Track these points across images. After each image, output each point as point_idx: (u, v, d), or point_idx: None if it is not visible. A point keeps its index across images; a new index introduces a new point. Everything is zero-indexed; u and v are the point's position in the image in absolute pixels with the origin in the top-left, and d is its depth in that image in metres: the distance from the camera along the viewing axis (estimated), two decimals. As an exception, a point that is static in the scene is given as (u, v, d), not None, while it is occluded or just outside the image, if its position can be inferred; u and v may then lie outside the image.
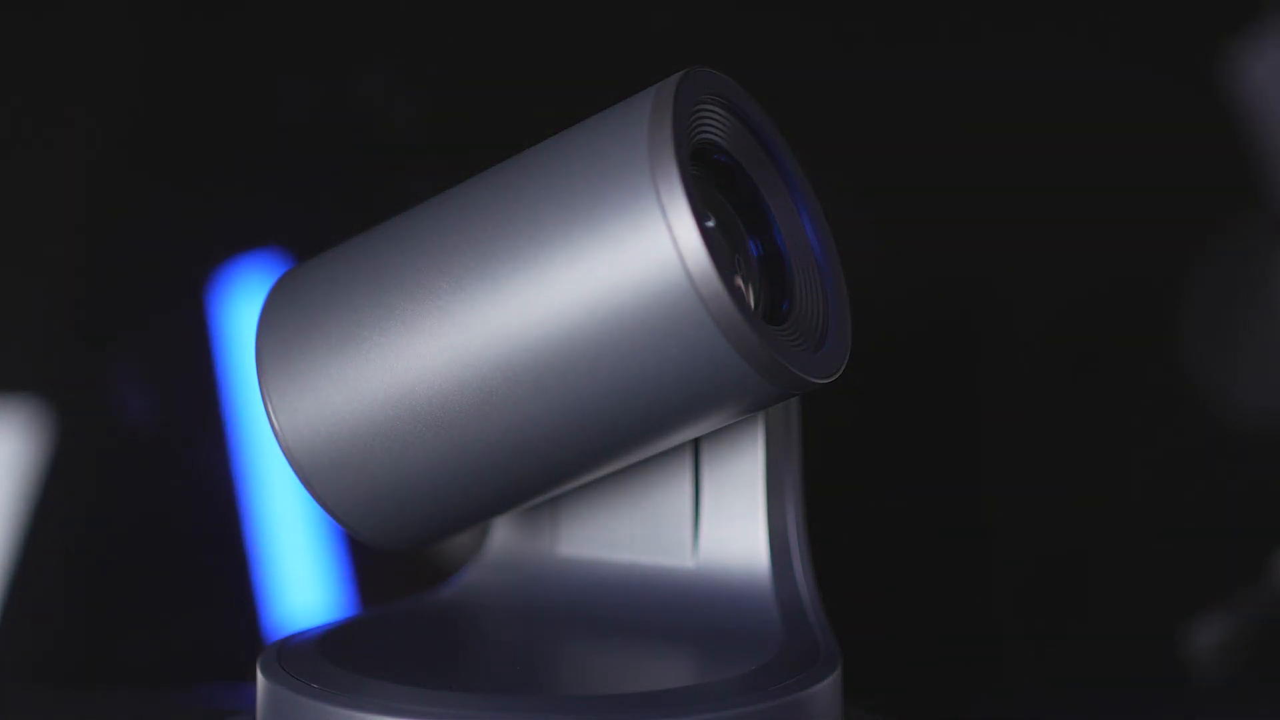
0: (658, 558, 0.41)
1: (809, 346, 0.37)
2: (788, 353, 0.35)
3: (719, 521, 0.40)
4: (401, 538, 0.40)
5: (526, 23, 0.64)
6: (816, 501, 0.42)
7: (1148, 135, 0.64)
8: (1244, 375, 0.64)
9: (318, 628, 0.41)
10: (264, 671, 0.38)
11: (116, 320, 0.65)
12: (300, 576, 0.63)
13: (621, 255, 0.34)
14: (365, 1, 0.65)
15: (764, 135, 0.38)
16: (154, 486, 0.63)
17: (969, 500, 0.64)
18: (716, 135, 0.37)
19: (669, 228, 0.34)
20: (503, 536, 0.43)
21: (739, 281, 0.37)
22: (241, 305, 0.65)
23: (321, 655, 0.38)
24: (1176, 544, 0.63)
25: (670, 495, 0.41)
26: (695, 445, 0.41)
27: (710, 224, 0.35)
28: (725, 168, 0.38)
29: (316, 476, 0.39)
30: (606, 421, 0.36)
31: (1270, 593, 0.61)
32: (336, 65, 0.64)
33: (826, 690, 0.37)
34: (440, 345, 0.36)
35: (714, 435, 0.40)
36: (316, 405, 0.38)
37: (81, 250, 0.65)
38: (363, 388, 0.37)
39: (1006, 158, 0.64)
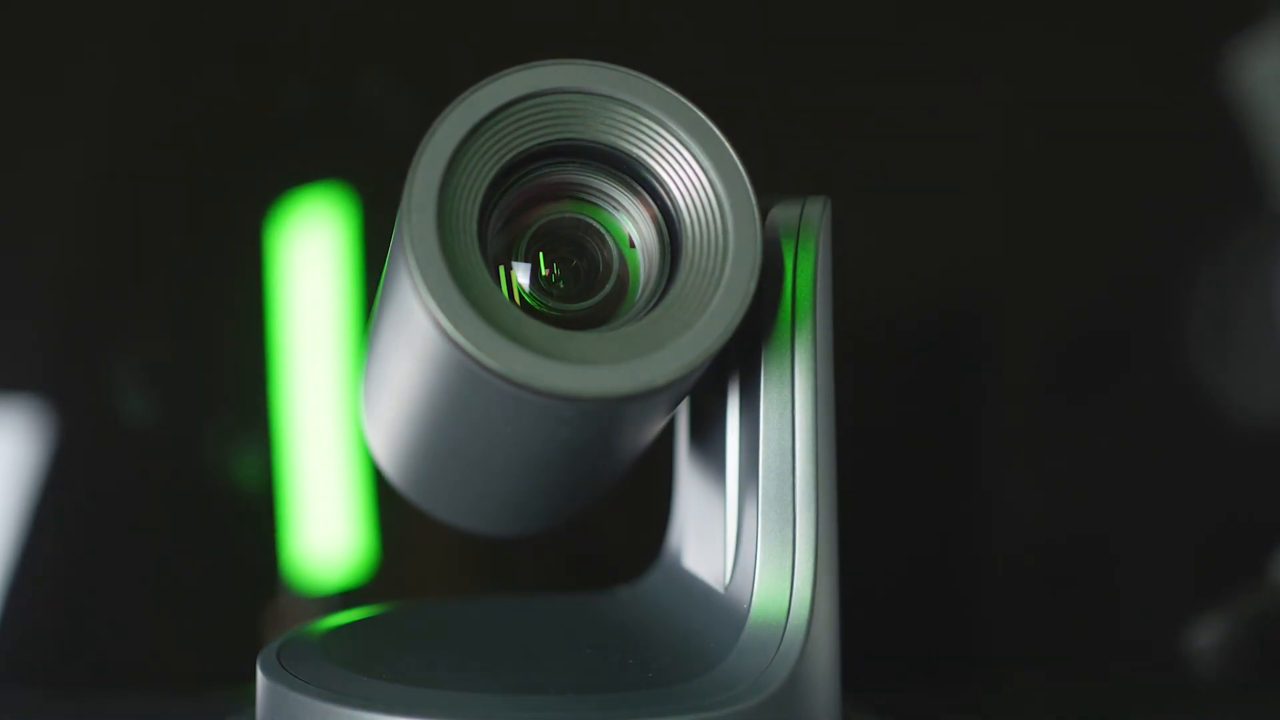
0: (706, 575, 0.41)
1: (665, 335, 0.35)
2: (546, 370, 0.34)
3: (747, 541, 0.39)
4: (476, 528, 0.47)
5: (527, 23, 0.64)
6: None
7: (1147, 135, 0.64)
8: (1244, 375, 0.64)
9: (318, 626, 0.41)
10: (264, 670, 0.38)
11: (116, 320, 0.65)
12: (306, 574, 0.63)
13: (410, 317, 0.35)
14: (365, 1, 0.65)
15: (626, 100, 0.37)
16: (154, 486, 0.63)
17: (967, 500, 0.64)
18: (545, 132, 0.36)
19: (411, 274, 0.34)
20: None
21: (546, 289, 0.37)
22: (241, 304, 0.65)
23: (322, 654, 0.38)
24: (1177, 544, 0.63)
25: (719, 514, 0.41)
26: (736, 463, 0.40)
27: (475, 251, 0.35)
28: (598, 152, 0.37)
29: (398, 483, 0.45)
30: (514, 465, 0.39)
31: (1270, 593, 0.61)
32: (336, 65, 0.64)
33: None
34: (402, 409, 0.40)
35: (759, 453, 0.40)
36: (378, 439, 0.44)
37: (82, 250, 0.65)
38: (389, 430, 0.43)
39: (1006, 157, 0.64)
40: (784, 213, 0.39)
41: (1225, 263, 0.64)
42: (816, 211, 0.39)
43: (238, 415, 0.64)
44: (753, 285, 0.35)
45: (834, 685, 0.38)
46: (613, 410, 0.35)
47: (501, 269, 0.36)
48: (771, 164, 0.63)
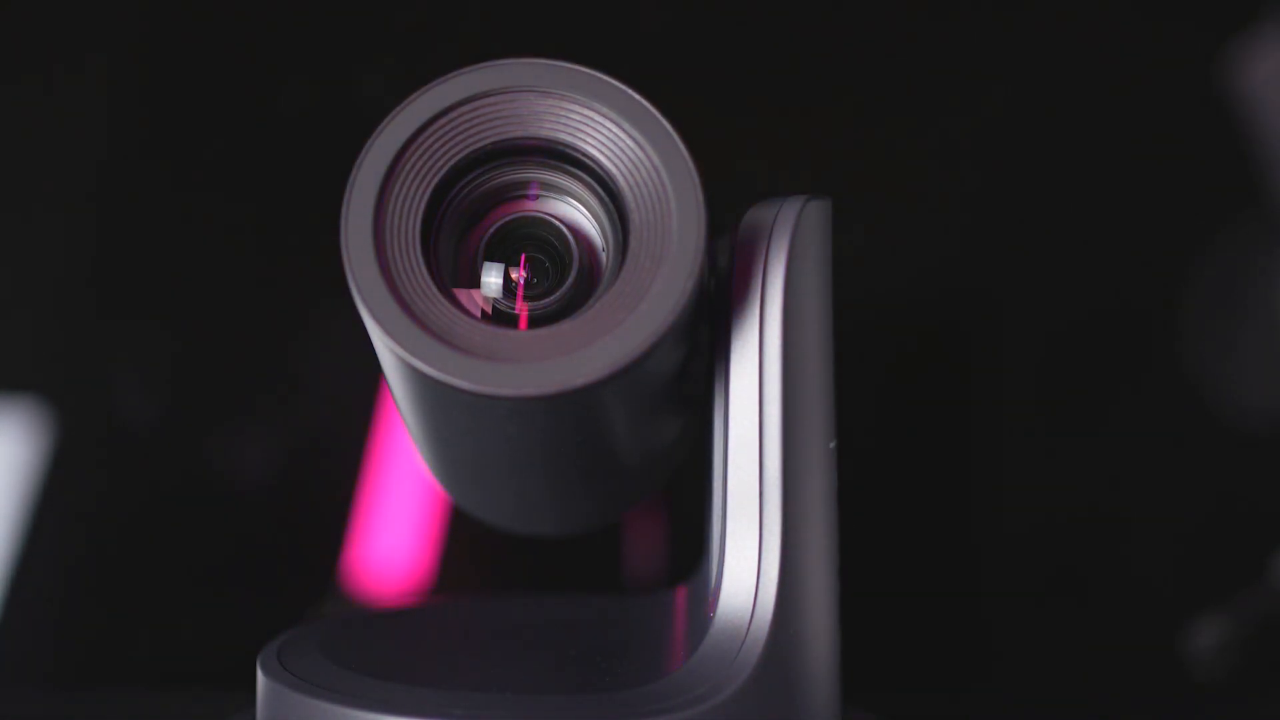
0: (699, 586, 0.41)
1: (599, 330, 0.34)
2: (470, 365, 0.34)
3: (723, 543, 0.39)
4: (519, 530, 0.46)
5: (527, 22, 0.64)
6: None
7: (1146, 135, 0.64)
8: (1244, 375, 0.64)
9: (319, 625, 0.41)
10: (264, 669, 0.38)
11: (117, 319, 0.65)
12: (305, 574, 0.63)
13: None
14: (365, 1, 0.65)
15: (548, 92, 0.36)
16: (155, 486, 0.64)
17: (966, 500, 0.64)
18: (472, 141, 0.36)
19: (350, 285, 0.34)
20: None
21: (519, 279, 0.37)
22: (240, 304, 0.65)
23: (322, 653, 0.38)
24: (1176, 544, 0.63)
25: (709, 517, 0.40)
26: (721, 464, 0.40)
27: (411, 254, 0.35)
28: (544, 149, 0.36)
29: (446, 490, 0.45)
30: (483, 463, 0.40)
31: (1270, 593, 0.61)
32: (336, 65, 0.65)
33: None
34: None
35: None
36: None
37: (82, 250, 0.65)
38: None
39: (1003, 157, 0.65)
40: (759, 213, 0.38)
41: (1226, 262, 0.64)
42: (794, 211, 0.37)
43: (240, 414, 0.64)
44: (689, 286, 0.34)
45: (820, 691, 0.37)
46: (544, 409, 0.35)
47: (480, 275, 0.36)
48: (771, 164, 0.63)
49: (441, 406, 0.36)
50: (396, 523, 0.63)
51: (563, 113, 0.36)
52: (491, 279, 0.36)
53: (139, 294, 0.65)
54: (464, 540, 0.62)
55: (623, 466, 0.41)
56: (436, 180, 0.36)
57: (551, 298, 0.36)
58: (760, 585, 0.37)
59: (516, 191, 0.37)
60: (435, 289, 0.35)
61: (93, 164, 0.65)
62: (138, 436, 0.64)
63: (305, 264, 0.64)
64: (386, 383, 0.38)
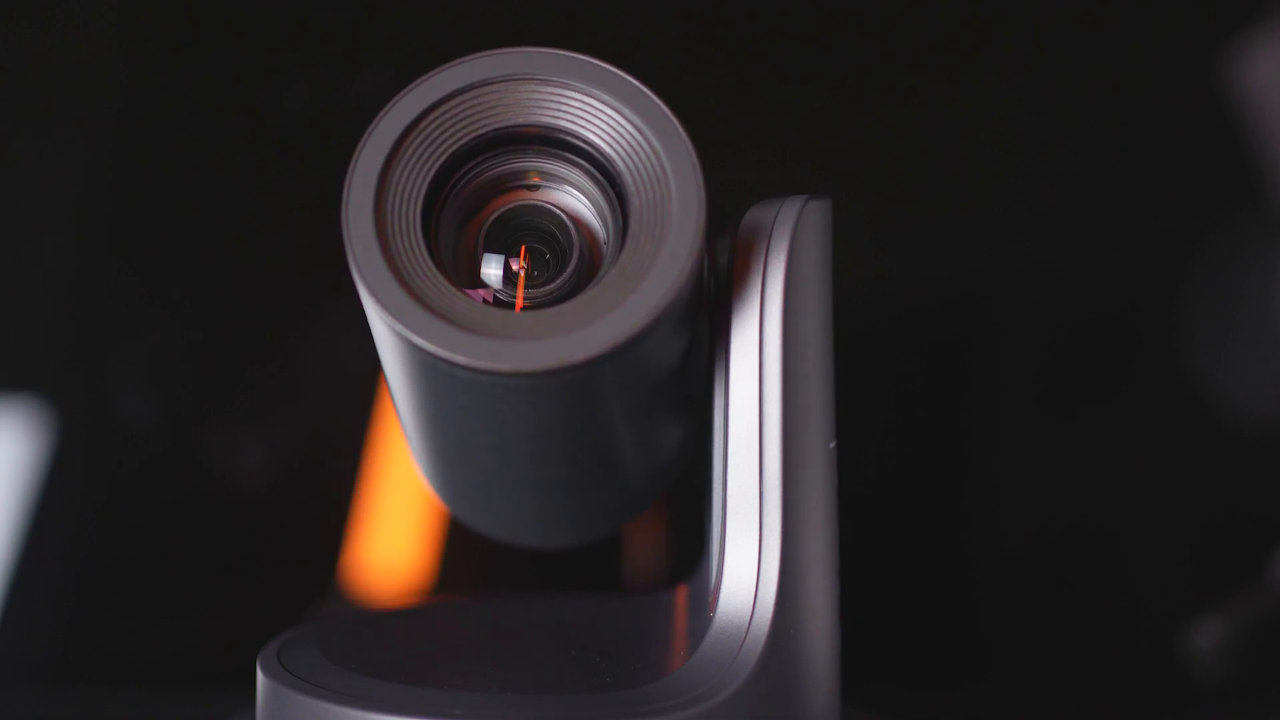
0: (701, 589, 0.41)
1: (597, 311, 0.35)
2: (471, 342, 0.34)
3: (736, 561, 0.39)
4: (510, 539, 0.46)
5: (526, 20, 0.64)
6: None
7: (1147, 135, 0.64)
8: (1244, 375, 0.64)
9: (319, 625, 0.41)
10: (264, 669, 0.38)
11: (117, 320, 0.65)
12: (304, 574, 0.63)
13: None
14: (365, 1, 0.66)
15: (543, 79, 0.36)
16: (155, 486, 0.64)
17: (966, 499, 0.64)
18: (473, 127, 0.36)
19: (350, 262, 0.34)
20: None
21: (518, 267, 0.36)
22: (242, 304, 0.65)
23: (322, 653, 0.38)
24: (1176, 544, 0.64)
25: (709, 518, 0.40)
26: (721, 463, 0.40)
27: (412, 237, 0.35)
28: (543, 136, 0.37)
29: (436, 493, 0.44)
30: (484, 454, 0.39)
31: (1270, 593, 0.61)
32: (336, 65, 0.65)
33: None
34: None
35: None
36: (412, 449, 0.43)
37: (82, 249, 0.65)
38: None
39: (1003, 158, 0.65)
40: (759, 213, 0.38)
41: (1225, 263, 0.64)
42: (794, 211, 0.37)
43: (240, 414, 0.64)
44: (689, 265, 0.34)
45: (820, 690, 0.37)
46: (543, 389, 0.35)
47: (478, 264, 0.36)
48: (771, 164, 0.63)
49: (440, 390, 0.36)
50: (396, 523, 0.63)
51: (562, 100, 0.36)
52: (492, 270, 0.36)
53: (140, 294, 0.65)
54: (464, 540, 0.62)
55: (620, 471, 0.41)
56: (438, 165, 0.36)
57: (552, 285, 0.36)
58: (760, 585, 0.37)
59: (516, 181, 0.37)
60: (435, 269, 0.35)
61: (93, 165, 0.65)
62: (138, 437, 0.64)
63: (307, 265, 0.64)
64: (386, 379, 0.38)
